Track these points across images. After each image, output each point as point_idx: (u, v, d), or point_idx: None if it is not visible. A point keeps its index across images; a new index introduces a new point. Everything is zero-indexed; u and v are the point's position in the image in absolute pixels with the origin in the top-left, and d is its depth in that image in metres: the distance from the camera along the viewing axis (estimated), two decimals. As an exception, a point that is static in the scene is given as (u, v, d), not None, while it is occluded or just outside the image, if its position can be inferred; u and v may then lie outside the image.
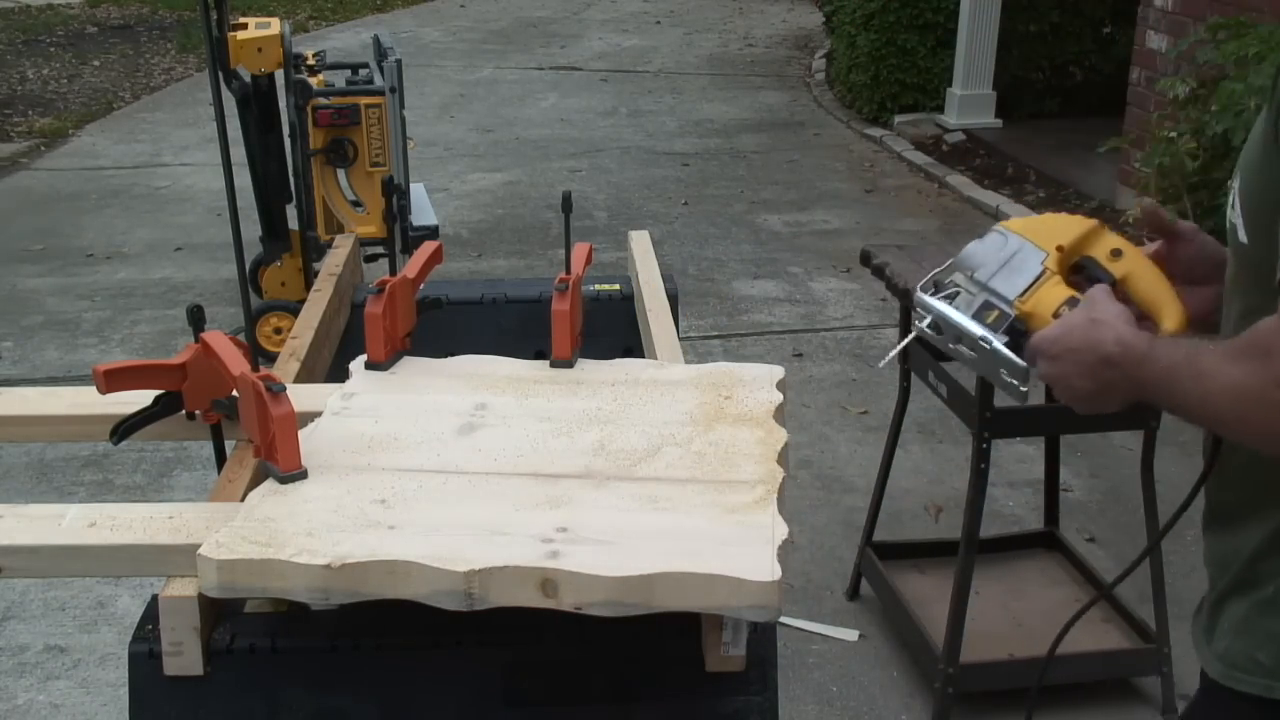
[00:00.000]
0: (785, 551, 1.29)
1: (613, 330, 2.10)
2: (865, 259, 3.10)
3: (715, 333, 5.11)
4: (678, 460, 1.48)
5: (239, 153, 4.01)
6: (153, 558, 1.34)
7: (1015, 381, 1.32)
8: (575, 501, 1.38)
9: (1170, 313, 1.35)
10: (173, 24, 11.84)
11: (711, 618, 1.30)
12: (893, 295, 2.98)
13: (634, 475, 1.44)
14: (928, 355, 2.88)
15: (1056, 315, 1.31)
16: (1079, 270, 1.39)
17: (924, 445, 4.04)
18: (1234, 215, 1.22)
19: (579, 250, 1.93)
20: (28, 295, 5.51)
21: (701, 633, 1.34)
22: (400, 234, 4.63)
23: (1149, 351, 1.21)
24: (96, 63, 10.34)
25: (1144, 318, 1.34)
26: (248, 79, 4.50)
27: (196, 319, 1.60)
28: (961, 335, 1.34)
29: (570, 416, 1.60)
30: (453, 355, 1.80)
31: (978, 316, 1.34)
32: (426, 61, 10.19)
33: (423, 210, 5.05)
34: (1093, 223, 1.41)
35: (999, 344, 1.32)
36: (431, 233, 4.79)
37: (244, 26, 4.62)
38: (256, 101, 4.58)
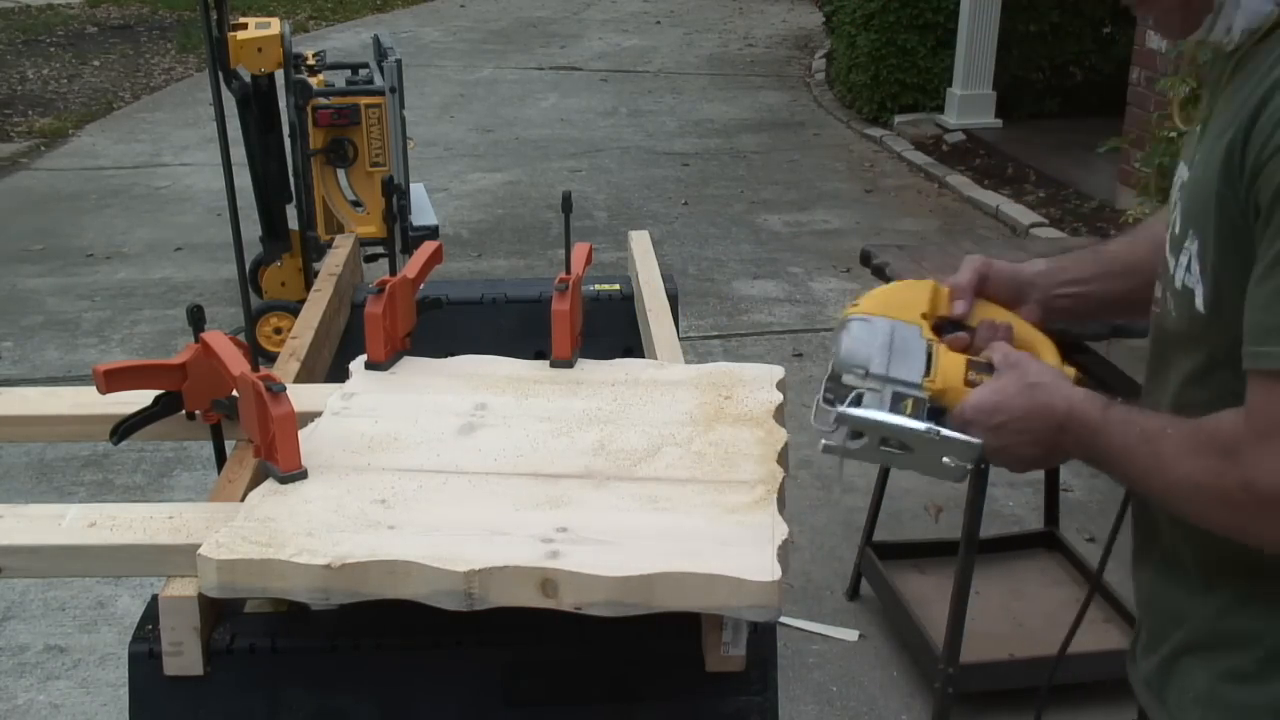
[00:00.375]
0: (785, 551, 1.29)
1: (613, 330, 2.09)
2: (865, 259, 3.10)
3: (715, 333, 5.11)
4: (678, 460, 1.48)
5: (239, 153, 4.01)
6: (153, 558, 1.33)
7: (962, 463, 1.25)
8: (575, 501, 1.38)
9: (1045, 351, 1.35)
10: (173, 24, 11.84)
11: (711, 618, 1.30)
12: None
13: (634, 475, 1.44)
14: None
15: (969, 383, 1.27)
16: (939, 331, 1.35)
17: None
18: (1190, 279, 1.16)
19: (579, 250, 1.93)
20: (28, 295, 5.51)
21: (701, 633, 1.34)
22: (400, 234, 4.64)
23: (1103, 424, 1.19)
24: (96, 63, 10.34)
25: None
26: (248, 79, 4.50)
27: (196, 319, 1.60)
28: (899, 435, 1.26)
29: (570, 416, 1.60)
30: (453, 355, 1.80)
31: (897, 412, 1.26)
32: (426, 61, 10.19)
33: (423, 210, 5.05)
34: (929, 282, 1.38)
35: (948, 431, 1.24)
36: (431, 233, 4.79)
37: (244, 26, 4.62)
38: (256, 101, 4.58)
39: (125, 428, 1.57)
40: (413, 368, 1.76)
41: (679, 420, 1.58)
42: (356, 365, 1.76)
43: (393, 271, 1.91)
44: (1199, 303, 1.14)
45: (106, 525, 1.36)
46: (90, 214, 6.62)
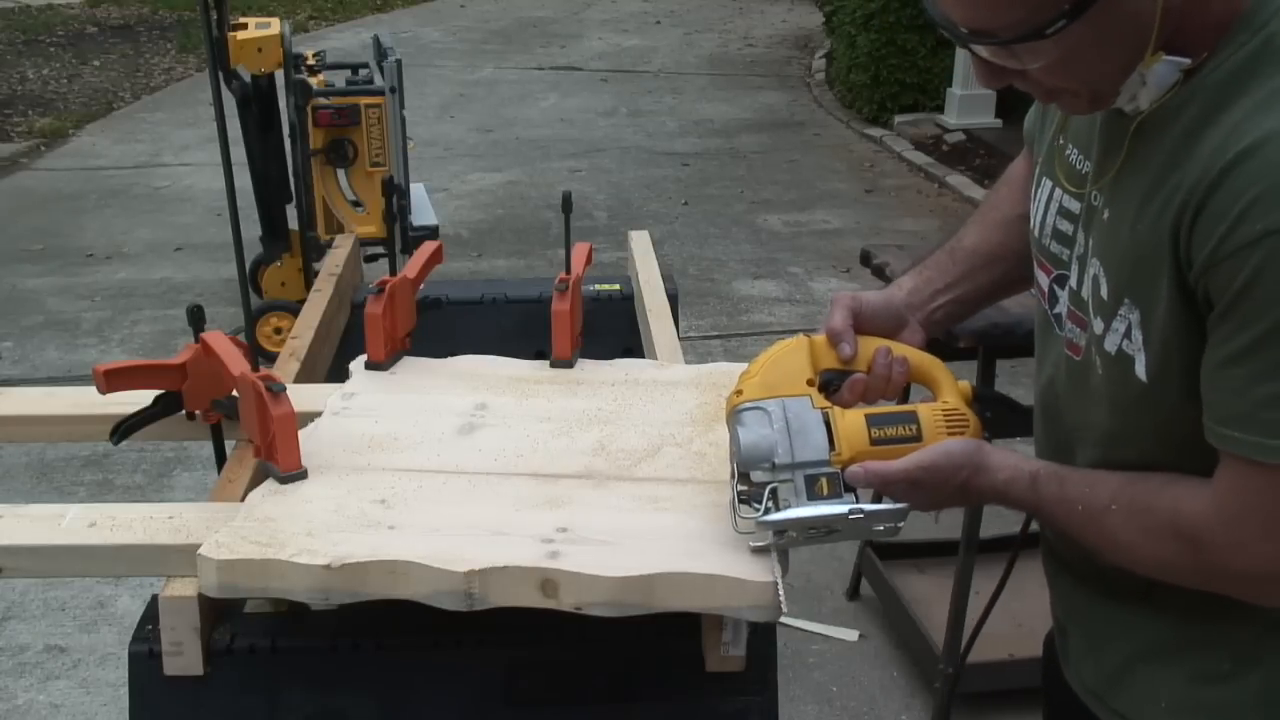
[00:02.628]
0: (785, 552, 1.29)
1: (613, 330, 2.09)
2: (865, 259, 3.10)
3: (715, 333, 5.11)
4: (678, 460, 1.48)
5: (239, 153, 4.01)
6: (153, 558, 1.33)
7: (894, 525, 1.23)
8: (575, 501, 1.38)
9: (939, 372, 1.32)
10: (173, 24, 11.84)
11: (711, 618, 1.30)
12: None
13: (634, 475, 1.44)
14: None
15: (875, 441, 1.23)
16: (829, 384, 1.31)
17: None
18: (1130, 347, 1.13)
19: (579, 250, 1.93)
20: (28, 295, 5.51)
21: (701, 633, 1.34)
22: (400, 234, 4.63)
23: (1038, 506, 1.19)
24: (96, 63, 10.34)
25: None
26: (248, 79, 4.50)
27: (196, 319, 1.60)
28: (826, 524, 1.22)
29: (570, 416, 1.60)
30: (453, 355, 1.80)
31: (813, 495, 1.22)
32: (426, 61, 10.19)
33: (423, 210, 5.05)
34: (801, 339, 1.32)
35: (871, 506, 1.22)
36: (431, 233, 4.79)
37: (244, 26, 4.62)
38: (256, 101, 4.58)
39: (125, 428, 1.57)
40: (413, 368, 1.76)
41: (679, 420, 1.58)
42: (356, 365, 1.76)
43: (393, 271, 1.91)
44: (1139, 371, 1.12)
45: (106, 525, 1.36)
46: (90, 214, 6.62)
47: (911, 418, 1.25)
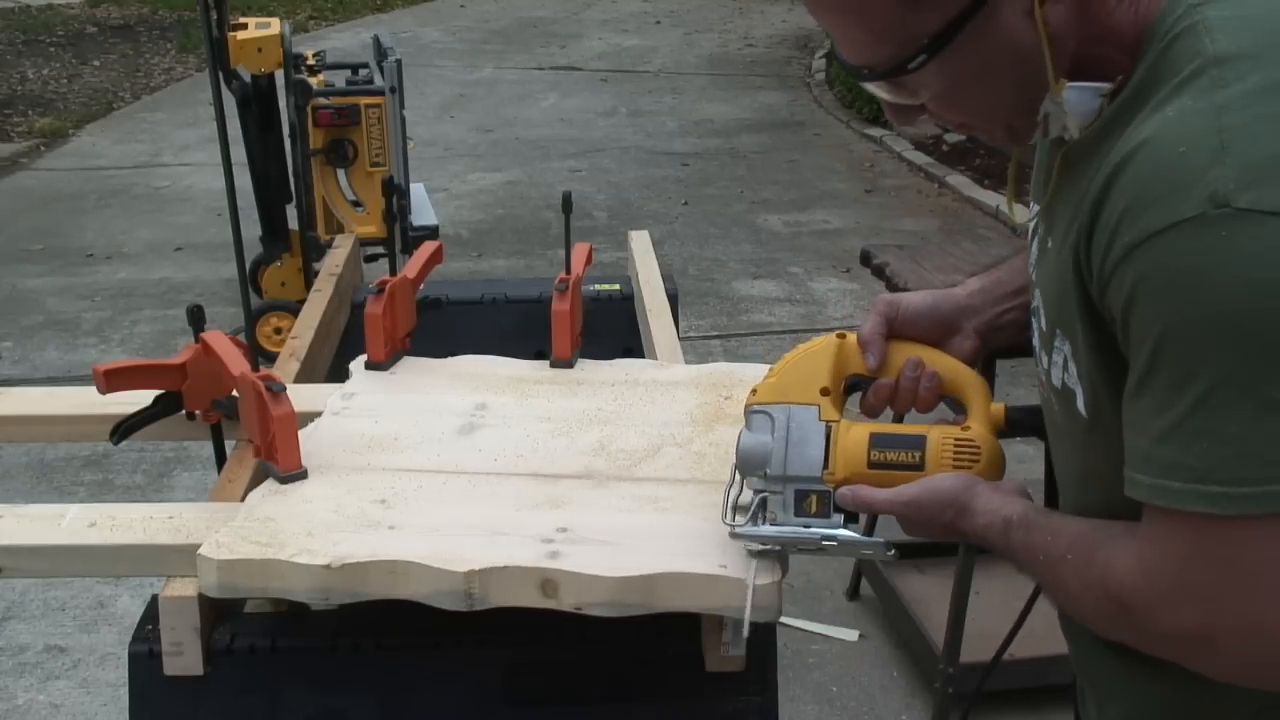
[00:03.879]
0: (785, 552, 1.29)
1: (613, 330, 2.09)
2: (865, 259, 3.10)
3: (715, 333, 5.11)
4: (678, 460, 1.48)
5: (239, 153, 4.01)
6: (153, 558, 1.33)
7: (882, 551, 1.20)
8: (575, 501, 1.38)
9: (974, 392, 1.22)
10: (173, 24, 11.84)
11: (711, 618, 1.30)
12: (893, 295, 2.98)
13: (634, 475, 1.44)
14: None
15: (873, 464, 1.17)
16: (854, 389, 1.25)
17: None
18: (1070, 380, 1.06)
19: (579, 250, 1.93)
20: (28, 295, 5.51)
21: (701, 633, 1.34)
22: (400, 234, 4.63)
23: (1008, 551, 1.11)
24: (96, 63, 10.34)
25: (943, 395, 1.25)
26: (248, 79, 4.50)
27: (196, 319, 1.60)
28: (803, 545, 1.20)
29: (570, 417, 1.60)
30: (453, 355, 1.80)
31: (800, 512, 1.18)
32: (426, 61, 10.19)
33: (423, 210, 5.05)
34: (831, 340, 1.25)
35: (846, 534, 1.18)
36: (431, 233, 4.79)
37: (244, 26, 4.62)
38: (256, 101, 4.58)
39: (125, 428, 1.57)
40: (413, 368, 1.76)
41: (679, 420, 1.58)
42: (356, 365, 1.76)
43: (393, 271, 1.91)
44: (1080, 406, 1.05)
45: (106, 525, 1.36)
46: (90, 214, 6.62)
47: (919, 443, 1.18)
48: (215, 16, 4.13)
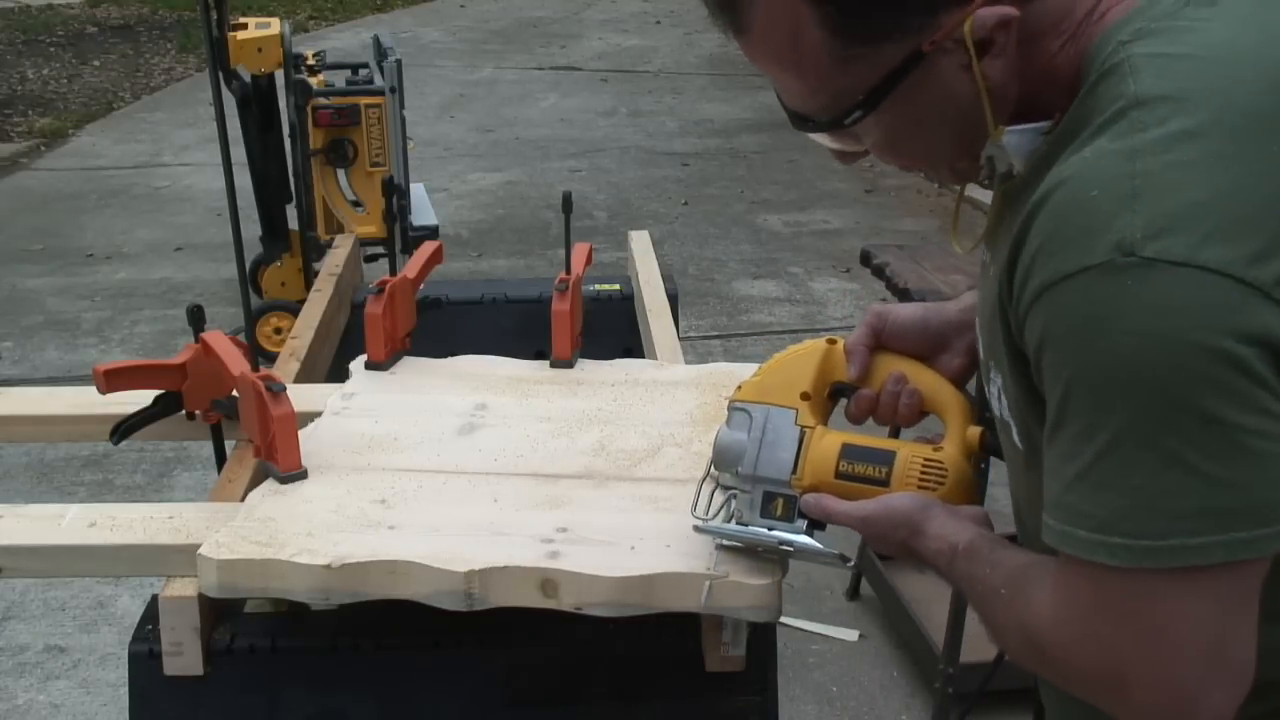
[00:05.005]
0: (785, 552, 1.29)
1: (613, 330, 2.10)
2: (865, 259, 3.10)
3: (715, 333, 5.11)
4: (678, 460, 1.48)
5: (239, 153, 4.01)
6: (153, 558, 1.33)
7: (839, 561, 1.21)
8: (575, 501, 1.38)
9: (954, 413, 1.22)
10: (173, 24, 11.83)
11: (711, 618, 1.30)
12: (893, 295, 2.98)
13: (634, 475, 1.45)
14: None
15: (840, 474, 1.18)
16: (836, 396, 1.26)
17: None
18: (1005, 412, 1.05)
19: (579, 250, 1.93)
20: (28, 295, 5.51)
21: (701, 633, 1.34)
22: (400, 234, 4.63)
23: (951, 578, 1.11)
24: (96, 63, 10.34)
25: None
26: (248, 79, 4.50)
27: (196, 319, 1.60)
28: (763, 546, 1.21)
29: (570, 417, 1.60)
30: (453, 355, 1.80)
31: (766, 513, 1.19)
32: (426, 61, 10.19)
33: (423, 210, 5.05)
34: (819, 345, 1.25)
35: (804, 542, 1.19)
36: (431, 233, 4.79)
37: (244, 26, 4.62)
38: (256, 101, 4.58)
39: (125, 428, 1.57)
40: (413, 368, 1.76)
41: (679, 420, 1.59)
42: (356, 365, 1.76)
43: (393, 271, 1.91)
44: (1015, 439, 1.05)
45: (106, 525, 1.36)
46: (90, 214, 6.62)
47: (888, 459, 1.18)
48: (215, 16, 4.13)
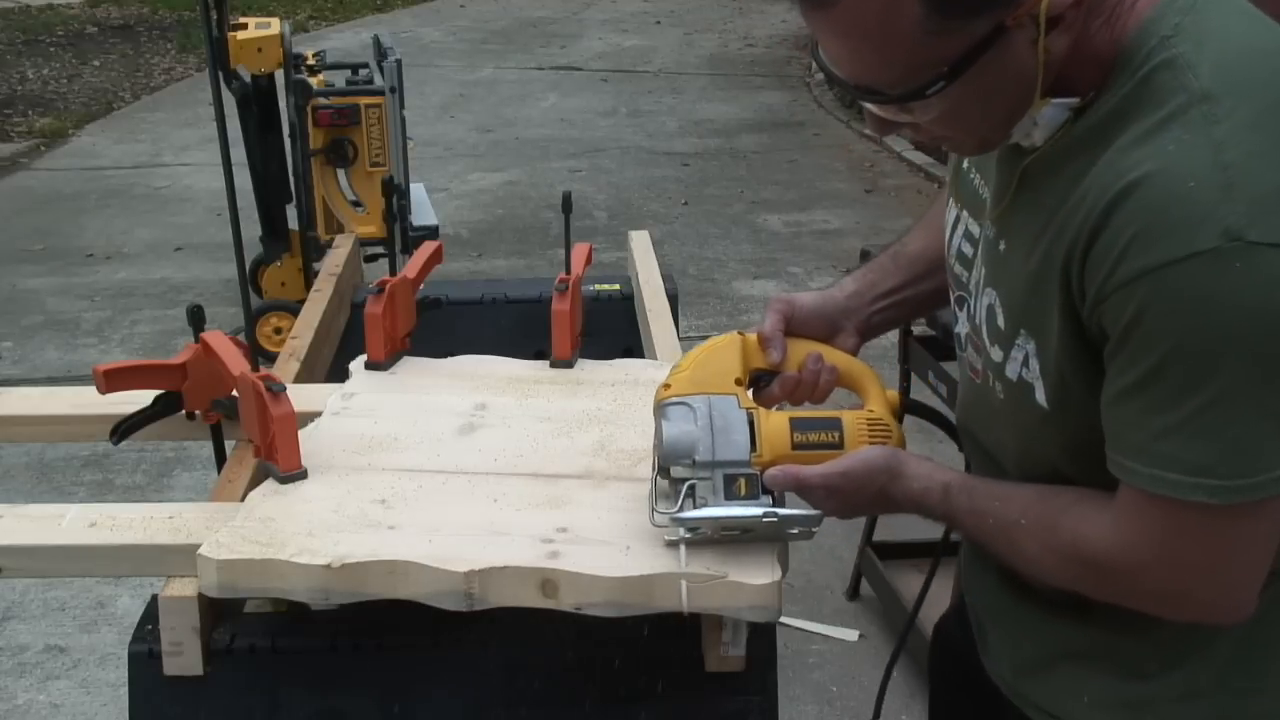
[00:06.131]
0: (785, 552, 1.29)
1: (613, 330, 2.09)
2: (865, 259, 3.10)
3: (715, 333, 5.10)
4: (678, 460, 1.48)
5: (239, 153, 4.01)
6: (153, 558, 1.33)
7: (808, 529, 1.24)
8: (575, 501, 1.38)
9: (869, 381, 1.34)
10: (173, 24, 11.83)
11: (711, 618, 1.30)
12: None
13: (634, 475, 1.44)
14: (927, 355, 2.88)
15: (796, 445, 1.24)
16: (756, 383, 1.34)
17: (924, 444, 4.02)
18: (1029, 374, 1.14)
19: (579, 250, 1.93)
20: (28, 295, 5.51)
21: (701, 633, 1.34)
22: (400, 234, 4.63)
23: (950, 516, 1.21)
24: (96, 63, 10.34)
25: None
26: (248, 79, 4.50)
27: (196, 319, 1.60)
28: (739, 525, 1.23)
29: (570, 417, 1.60)
30: (453, 355, 1.80)
31: (730, 495, 1.22)
32: (426, 61, 10.19)
33: (423, 210, 5.05)
34: (734, 336, 1.34)
35: (784, 510, 1.22)
36: (431, 233, 4.79)
37: (244, 26, 4.62)
38: (256, 101, 4.58)
39: (125, 428, 1.57)
40: (413, 368, 1.76)
41: (679, 420, 1.58)
42: (356, 365, 1.76)
43: (393, 271, 1.91)
44: (1040, 398, 1.13)
45: (106, 525, 1.36)
46: (90, 214, 6.62)
47: (835, 424, 1.26)
48: (215, 16, 4.13)
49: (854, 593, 3.33)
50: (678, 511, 1.23)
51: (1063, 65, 1.05)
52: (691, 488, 1.23)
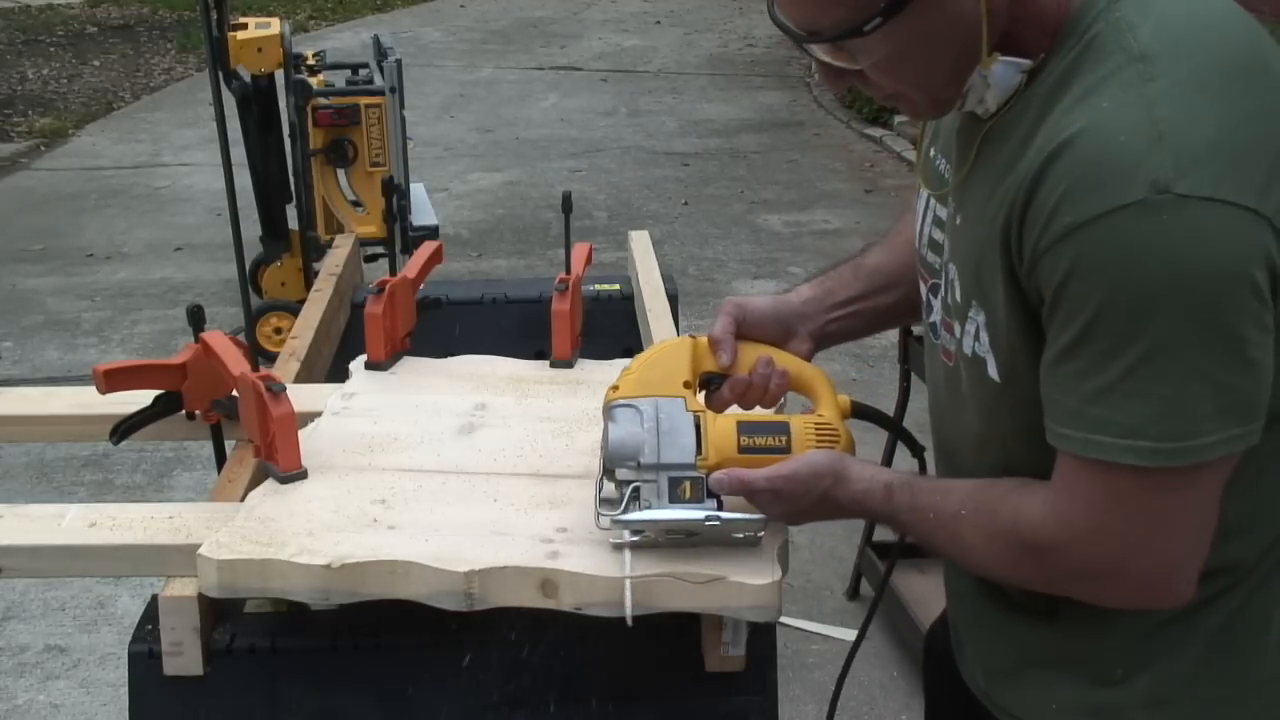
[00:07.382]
0: (785, 552, 1.30)
1: (613, 330, 2.09)
2: (865, 259, 3.10)
3: (715, 333, 5.11)
4: (678, 460, 1.48)
5: (239, 153, 4.01)
6: (153, 558, 1.33)
7: (753, 534, 1.24)
8: (575, 501, 1.38)
9: (820, 385, 1.33)
10: (173, 24, 11.83)
11: (711, 618, 1.30)
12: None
13: (634, 475, 1.44)
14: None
15: (743, 448, 1.24)
16: (706, 386, 1.34)
17: (924, 444, 4.03)
18: (980, 349, 1.13)
19: (579, 250, 1.93)
20: (28, 295, 5.51)
21: (701, 633, 1.34)
22: (400, 234, 4.63)
23: (892, 515, 1.21)
24: (96, 63, 10.34)
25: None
26: (248, 79, 4.50)
27: (196, 319, 1.60)
28: (683, 528, 1.23)
29: (570, 416, 1.60)
30: (453, 355, 1.80)
31: (675, 498, 1.22)
32: (426, 61, 10.19)
33: (423, 210, 5.05)
34: (685, 339, 1.35)
35: (727, 514, 1.22)
36: (431, 233, 4.79)
37: (244, 26, 4.62)
38: (256, 101, 4.58)
39: (125, 428, 1.57)
40: (413, 368, 1.76)
41: (679, 420, 1.58)
42: (356, 365, 1.76)
43: (393, 271, 1.91)
44: (992, 372, 1.13)
45: (106, 525, 1.36)
46: (90, 214, 6.62)
47: (783, 429, 1.26)
48: (215, 16, 4.13)
49: (854, 593, 3.33)
50: (621, 514, 1.23)
51: (1011, 22, 1.05)
52: (636, 490, 1.23)
